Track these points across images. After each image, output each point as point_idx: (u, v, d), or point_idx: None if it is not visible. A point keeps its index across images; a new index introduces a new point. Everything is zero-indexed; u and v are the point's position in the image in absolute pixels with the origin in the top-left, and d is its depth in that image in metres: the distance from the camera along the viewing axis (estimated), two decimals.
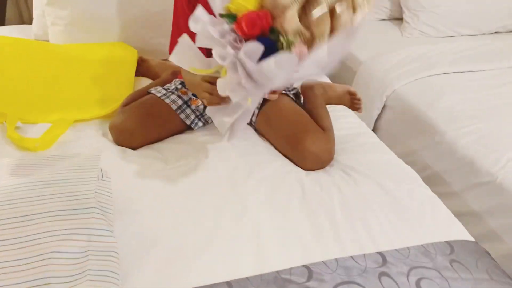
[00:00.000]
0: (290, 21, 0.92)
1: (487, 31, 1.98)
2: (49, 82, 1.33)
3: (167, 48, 1.32)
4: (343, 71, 1.86)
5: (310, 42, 0.93)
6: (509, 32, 2.02)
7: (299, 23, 0.92)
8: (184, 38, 1.03)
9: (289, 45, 0.90)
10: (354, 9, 0.93)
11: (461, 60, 1.66)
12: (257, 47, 0.89)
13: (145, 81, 1.48)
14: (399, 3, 1.99)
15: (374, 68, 1.68)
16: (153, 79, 1.49)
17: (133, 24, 1.54)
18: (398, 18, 2.05)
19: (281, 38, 0.91)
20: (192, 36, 1.00)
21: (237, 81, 0.92)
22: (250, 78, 0.92)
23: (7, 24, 1.80)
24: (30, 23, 1.77)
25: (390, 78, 1.60)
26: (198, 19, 0.96)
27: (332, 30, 0.92)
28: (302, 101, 1.36)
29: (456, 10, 1.91)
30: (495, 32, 2.01)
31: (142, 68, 1.50)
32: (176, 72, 1.41)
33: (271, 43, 0.91)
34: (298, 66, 0.89)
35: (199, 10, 0.96)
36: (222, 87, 0.94)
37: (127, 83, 1.40)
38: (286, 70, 0.89)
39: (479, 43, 1.83)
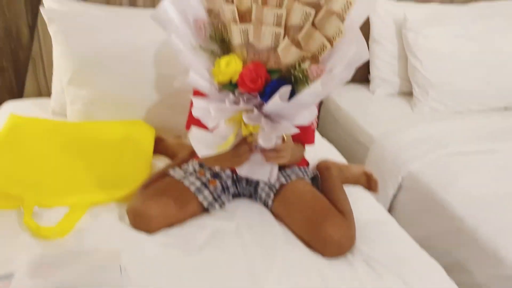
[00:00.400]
0: (286, 55, 0.96)
1: (496, 107, 2.01)
2: (66, 163, 1.33)
3: (184, 126, 1.35)
4: (356, 147, 1.87)
5: (316, 58, 0.97)
6: None
7: (296, 50, 0.95)
8: (193, 132, 1.06)
9: (303, 72, 0.95)
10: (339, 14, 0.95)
11: (474, 139, 1.67)
12: (285, 90, 0.95)
13: (162, 160, 1.48)
14: (408, 78, 2.04)
15: (387, 146, 1.69)
16: (170, 158, 1.49)
17: (151, 103, 1.56)
18: (407, 93, 2.09)
19: (293, 71, 0.95)
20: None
21: (273, 128, 0.98)
22: (284, 117, 0.99)
23: (25, 97, 1.83)
24: (48, 95, 1.81)
25: (404, 158, 1.60)
26: (200, 108, 1.02)
27: (329, 38, 0.95)
28: (318, 184, 1.35)
29: (465, 87, 1.95)
30: (504, 108, 2.04)
31: (160, 147, 1.51)
32: (193, 152, 1.41)
33: (282, 82, 0.96)
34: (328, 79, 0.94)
35: (196, 101, 1.02)
36: (266, 140, 1.00)
37: (145, 163, 1.40)
38: (329, 87, 0.94)
39: (489, 120, 1.85)
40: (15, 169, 1.27)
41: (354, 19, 0.94)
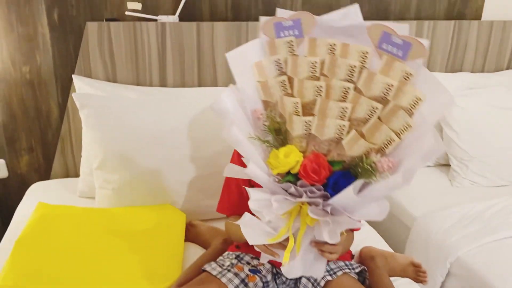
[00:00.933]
0: (352, 147, 0.92)
1: None
2: (96, 257, 1.25)
3: (215, 209, 1.28)
4: (396, 226, 1.77)
5: (382, 150, 0.92)
6: None
7: (363, 143, 0.91)
8: (246, 219, 0.99)
9: (371, 165, 0.90)
10: (409, 109, 0.91)
11: None
12: (359, 182, 0.91)
13: (194, 248, 1.40)
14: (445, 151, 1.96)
15: (430, 228, 1.58)
16: (202, 245, 1.41)
17: (182, 187, 1.50)
18: (443, 164, 2.00)
19: (361, 164, 0.91)
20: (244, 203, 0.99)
21: (338, 222, 0.94)
22: (350, 210, 0.94)
23: (52, 177, 1.79)
24: (75, 176, 1.77)
25: (451, 242, 1.49)
26: (259, 199, 0.96)
27: (396, 132, 0.91)
28: (365, 278, 1.25)
29: (505, 159, 1.86)
30: None
31: (191, 234, 1.44)
32: (227, 240, 1.33)
33: (346, 173, 0.93)
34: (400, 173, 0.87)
35: (254, 192, 0.96)
36: (332, 235, 0.94)
37: (176, 253, 1.32)
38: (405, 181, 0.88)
39: None
40: (43, 264, 1.20)
41: (428, 114, 0.90)
